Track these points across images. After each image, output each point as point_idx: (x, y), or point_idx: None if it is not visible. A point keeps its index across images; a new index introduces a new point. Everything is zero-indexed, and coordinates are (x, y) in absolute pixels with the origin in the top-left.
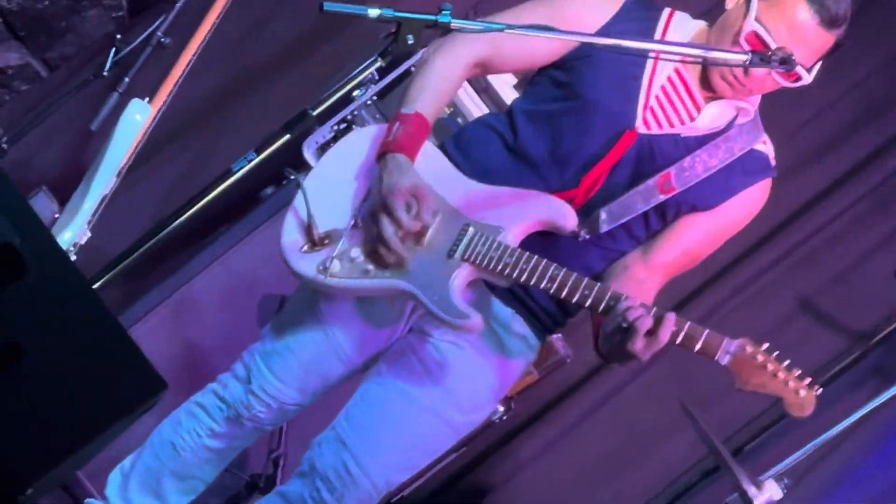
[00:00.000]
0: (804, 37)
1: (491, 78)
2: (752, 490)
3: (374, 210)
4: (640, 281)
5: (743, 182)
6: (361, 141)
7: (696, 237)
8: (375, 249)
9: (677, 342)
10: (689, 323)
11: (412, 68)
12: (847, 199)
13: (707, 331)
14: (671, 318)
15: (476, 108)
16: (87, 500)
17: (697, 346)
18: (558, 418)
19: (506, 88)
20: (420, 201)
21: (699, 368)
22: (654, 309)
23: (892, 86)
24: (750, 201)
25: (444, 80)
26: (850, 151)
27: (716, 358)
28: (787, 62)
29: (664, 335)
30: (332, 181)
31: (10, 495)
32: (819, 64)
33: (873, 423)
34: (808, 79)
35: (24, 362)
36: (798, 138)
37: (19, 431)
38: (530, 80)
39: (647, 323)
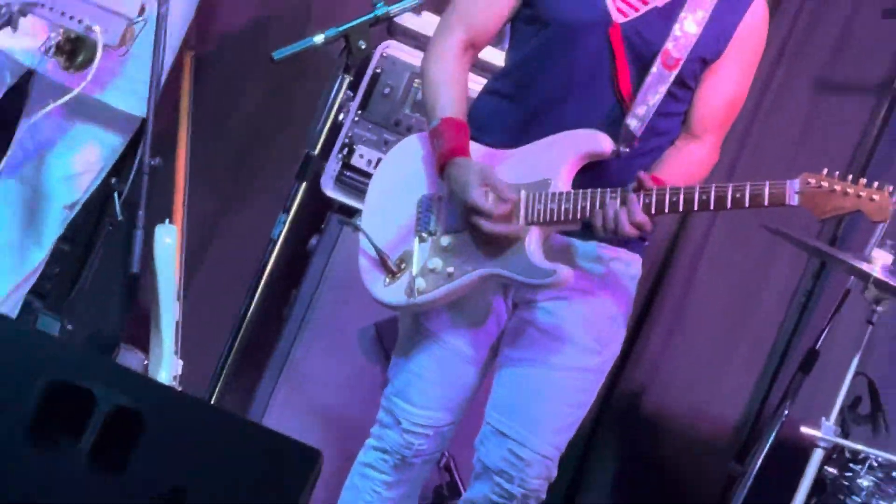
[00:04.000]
0: None
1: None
2: (864, 266)
3: (466, 217)
4: (686, 154)
5: (735, 17)
6: (390, 167)
7: (724, 87)
8: (488, 242)
9: (747, 205)
10: (748, 184)
11: (377, 69)
12: None
13: (767, 183)
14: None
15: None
16: None
17: (766, 201)
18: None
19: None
20: (493, 185)
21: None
22: (716, 187)
23: None
24: (752, 27)
25: (448, 79)
26: None
27: (786, 203)
28: None
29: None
30: (382, 210)
31: None
32: None
33: None
34: None
35: (189, 498)
36: None
37: None
38: (510, 36)
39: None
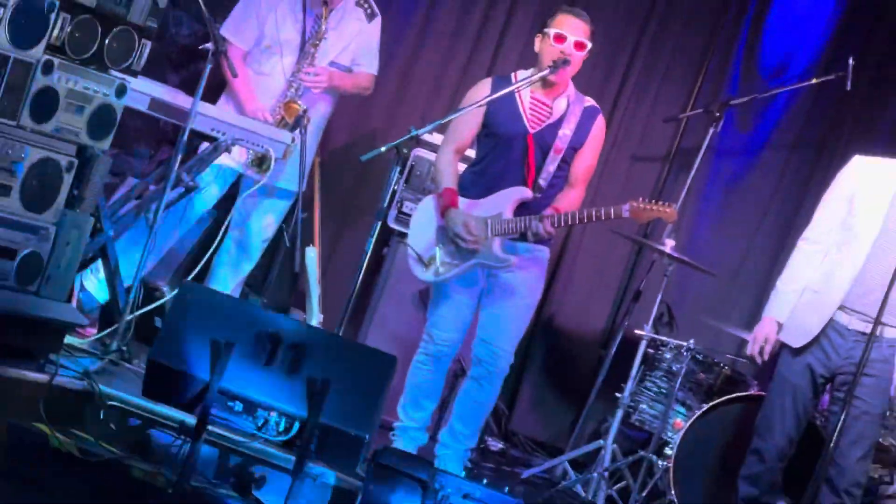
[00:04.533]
0: (573, 26)
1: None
2: (661, 247)
3: (454, 238)
4: (569, 195)
5: (590, 123)
6: (421, 211)
7: (586, 159)
8: (464, 250)
9: (603, 219)
10: (603, 208)
11: (412, 163)
12: None
13: (612, 207)
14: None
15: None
16: (394, 423)
17: (612, 216)
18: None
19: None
20: (469, 227)
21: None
22: (586, 210)
23: None
24: (598, 129)
25: (447, 167)
26: None
27: (623, 216)
28: (566, 62)
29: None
30: (418, 233)
31: (359, 440)
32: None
33: None
34: (583, 54)
35: (333, 386)
36: None
37: (348, 412)
38: (476, 143)
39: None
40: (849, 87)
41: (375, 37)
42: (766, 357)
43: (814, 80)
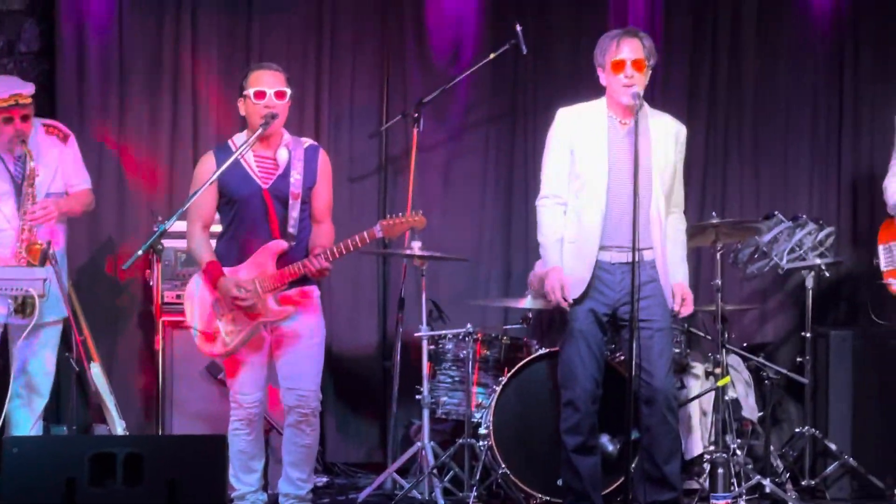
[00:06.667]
0: (269, 80)
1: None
2: (409, 251)
3: (234, 303)
4: (322, 231)
5: (315, 162)
6: (192, 292)
7: (322, 195)
8: (243, 312)
9: (358, 246)
10: (358, 234)
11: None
12: None
13: (366, 230)
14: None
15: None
16: (231, 494)
17: (368, 239)
18: None
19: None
20: (240, 284)
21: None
22: (345, 241)
23: None
24: (324, 164)
25: (201, 244)
26: None
27: (377, 237)
28: (274, 116)
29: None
30: (195, 313)
31: None
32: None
33: None
34: (285, 102)
35: (180, 484)
36: None
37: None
38: (220, 213)
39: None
40: (525, 51)
41: (77, 155)
42: (569, 298)
43: (492, 56)
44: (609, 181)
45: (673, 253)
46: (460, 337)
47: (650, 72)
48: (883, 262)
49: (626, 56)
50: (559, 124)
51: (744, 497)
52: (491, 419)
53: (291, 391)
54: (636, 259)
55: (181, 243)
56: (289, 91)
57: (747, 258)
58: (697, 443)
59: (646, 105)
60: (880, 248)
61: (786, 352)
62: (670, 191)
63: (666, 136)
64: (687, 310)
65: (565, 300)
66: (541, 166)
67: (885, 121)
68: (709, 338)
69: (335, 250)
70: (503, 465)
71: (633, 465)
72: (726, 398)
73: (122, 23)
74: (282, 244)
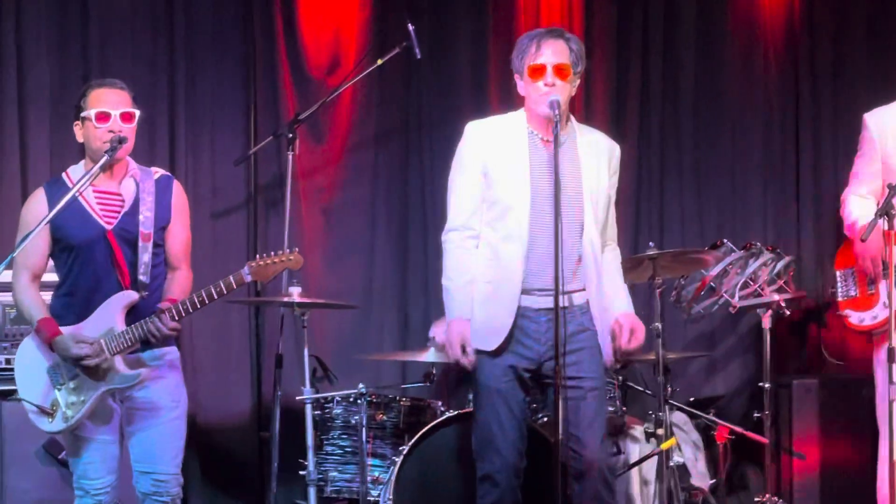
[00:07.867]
0: (112, 99)
1: None
2: (289, 298)
3: (76, 363)
4: (177, 279)
5: (167, 196)
6: (22, 359)
7: (178, 234)
8: (94, 373)
9: (222, 294)
10: (222, 280)
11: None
12: None
13: (231, 276)
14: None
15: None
16: None
17: (235, 286)
18: None
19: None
20: (82, 340)
21: None
22: (204, 291)
23: None
24: (178, 198)
25: (32, 299)
26: None
27: (246, 282)
28: (122, 140)
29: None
30: (29, 384)
31: None
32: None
33: None
34: (133, 125)
35: None
36: None
37: None
38: (54, 262)
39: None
40: (419, 55)
41: None
42: (472, 357)
43: (379, 61)
44: (532, 210)
45: (610, 284)
46: (350, 399)
47: (578, 80)
48: (840, 292)
49: (546, 60)
50: (469, 141)
51: None
52: (390, 497)
53: (146, 476)
54: (559, 304)
55: (8, 297)
56: (137, 112)
57: (692, 296)
58: None
59: (573, 119)
60: (837, 274)
61: (740, 406)
62: (605, 221)
63: (598, 156)
64: (637, 341)
65: (467, 357)
66: (445, 193)
67: (850, 126)
68: (649, 392)
69: (188, 305)
70: None
71: None
72: (671, 463)
73: None
74: (132, 296)
